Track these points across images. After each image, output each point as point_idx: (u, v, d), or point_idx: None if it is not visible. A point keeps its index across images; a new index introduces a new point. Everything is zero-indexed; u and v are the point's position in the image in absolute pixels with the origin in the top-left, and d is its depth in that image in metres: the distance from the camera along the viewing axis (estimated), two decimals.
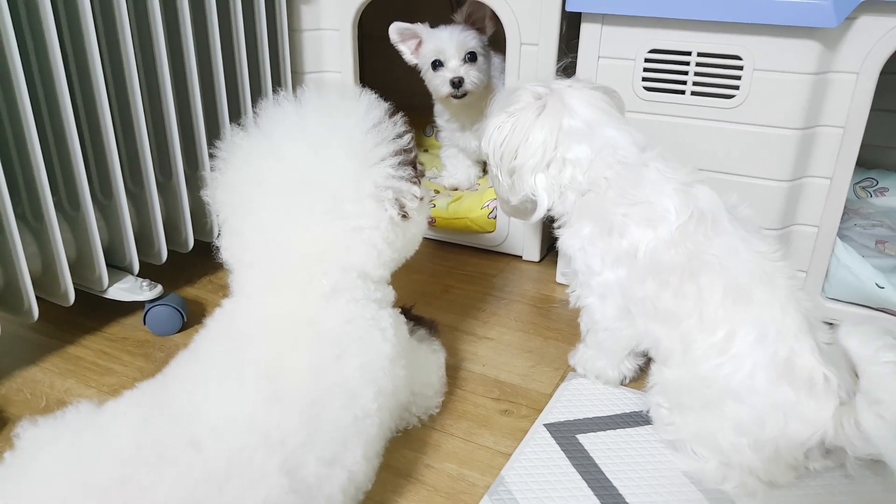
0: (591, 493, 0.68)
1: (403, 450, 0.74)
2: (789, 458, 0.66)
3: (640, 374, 0.83)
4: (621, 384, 0.84)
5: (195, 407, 0.52)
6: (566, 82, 0.79)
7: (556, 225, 0.80)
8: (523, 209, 0.83)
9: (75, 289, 0.88)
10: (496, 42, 1.16)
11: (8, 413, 0.80)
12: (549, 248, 1.17)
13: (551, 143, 0.76)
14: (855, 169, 0.90)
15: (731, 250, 0.69)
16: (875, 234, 1.07)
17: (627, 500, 0.67)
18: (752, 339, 0.66)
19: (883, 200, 1.21)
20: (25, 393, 0.84)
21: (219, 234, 0.66)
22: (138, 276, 0.95)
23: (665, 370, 0.72)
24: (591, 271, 0.76)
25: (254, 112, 0.67)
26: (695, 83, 0.90)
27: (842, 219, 1.09)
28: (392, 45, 1.16)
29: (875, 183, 1.23)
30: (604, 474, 0.70)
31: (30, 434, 0.50)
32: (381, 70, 1.28)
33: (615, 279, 0.74)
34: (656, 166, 0.74)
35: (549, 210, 0.78)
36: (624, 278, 0.74)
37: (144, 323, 0.95)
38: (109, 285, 0.93)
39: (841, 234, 1.03)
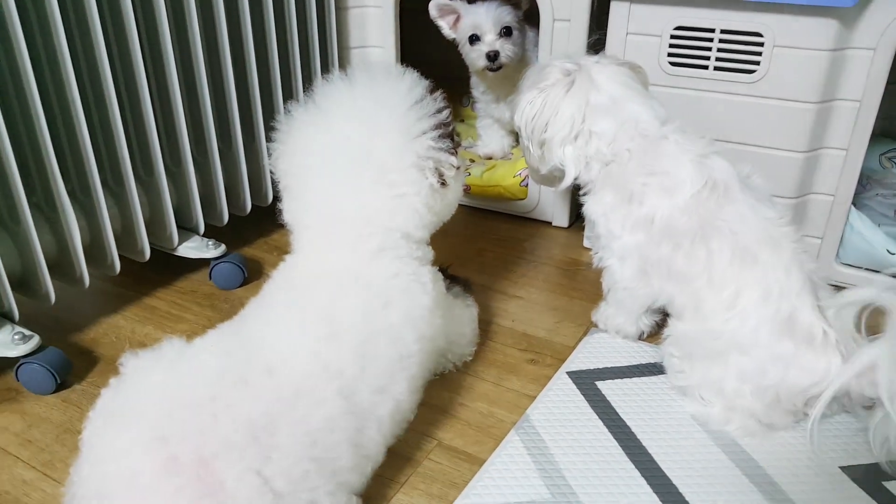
0: (605, 430, 0.76)
1: (441, 391, 0.83)
2: (788, 405, 0.73)
3: (658, 330, 0.90)
4: (639, 339, 0.91)
5: (267, 342, 0.62)
6: (594, 58, 0.85)
7: (581, 192, 0.87)
8: (552, 178, 0.90)
9: (150, 247, 1.00)
10: (530, 17, 1.21)
11: (98, 353, 0.93)
12: (577, 215, 1.23)
13: (579, 118, 0.82)
14: (881, 140, 0.93)
15: (740, 217, 0.75)
16: (894, 204, 1.10)
17: (639, 438, 0.75)
18: (756, 297, 0.73)
19: None
20: (111, 336, 0.96)
21: (278, 199, 0.76)
22: (203, 236, 1.06)
23: (678, 324, 0.79)
24: (612, 235, 0.83)
25: (305, 87, 0.75)
26: (717, 59, 0.94)
27: (864, 188, 1.13)
28: (431, 19, 1.22)
29: None
30: (619, 415, 0.78)
31: (132, 362, 0.60)
32: (421, 44, 1.34)
33: (634, 243, 0.81)
34: (675, 139, 0.80)
35: (575, 179, 0.85)
36: (642, 242, 0.80)
37: (210, 278, 1.06)
38: (179, 244, 1.04)
39: (862, 203, 1.07)
